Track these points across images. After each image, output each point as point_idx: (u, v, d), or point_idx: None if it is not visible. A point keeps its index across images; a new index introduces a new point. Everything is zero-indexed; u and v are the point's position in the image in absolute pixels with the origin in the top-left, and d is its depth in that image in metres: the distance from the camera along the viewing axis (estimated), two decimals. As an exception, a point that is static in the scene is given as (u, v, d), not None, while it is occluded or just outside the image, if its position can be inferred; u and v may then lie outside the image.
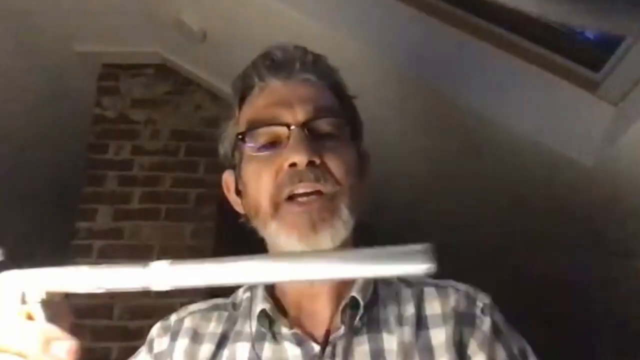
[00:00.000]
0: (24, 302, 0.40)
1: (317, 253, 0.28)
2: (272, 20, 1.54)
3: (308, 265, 0.27)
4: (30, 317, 0.40)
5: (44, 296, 0.40)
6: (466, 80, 1.37)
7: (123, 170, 2.12)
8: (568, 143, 1.31)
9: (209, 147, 2.10)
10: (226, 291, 0.68)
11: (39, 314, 0.40)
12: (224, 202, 0.74)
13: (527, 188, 1.58)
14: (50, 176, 2.58)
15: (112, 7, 1.92)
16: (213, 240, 2.01)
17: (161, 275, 0.30)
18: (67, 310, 0.42)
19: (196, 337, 0.67)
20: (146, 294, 1.06)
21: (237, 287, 0.73)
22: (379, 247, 0.26)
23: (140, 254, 1.98)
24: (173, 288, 0.30)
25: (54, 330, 0.39)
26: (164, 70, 2.23)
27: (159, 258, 0.38)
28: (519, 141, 1.38)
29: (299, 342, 0.61)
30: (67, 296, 0.41)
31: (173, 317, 0.71)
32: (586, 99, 1.28)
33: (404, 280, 0.66)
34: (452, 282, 0.66)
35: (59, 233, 2.11)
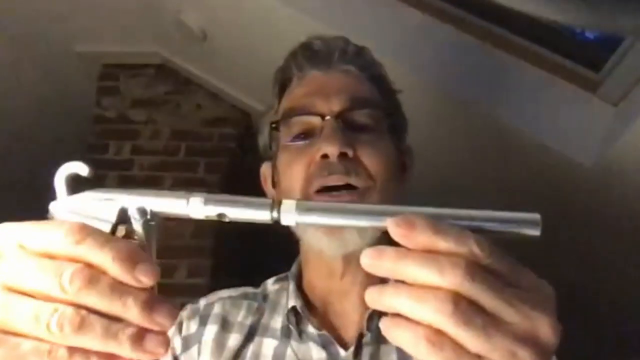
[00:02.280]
0: (122, 220, 0.36)
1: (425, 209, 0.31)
2: (273, 21, 1.54)
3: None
4: (128, 236, 0.36)
5: (148, 216, 0.36)
6: (465, 80, 1.37)
7: (123, 170, 2.12)
8: (568, 143, 1.31)
9: (209, 147, 2.11)
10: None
11: (139, 233, 0.36)
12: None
13: (526, 187, 1.58)
14: (51, 176, 2.58)
15: (112, 7, 1.92)
16: (213, 240, 2.00)
17: (290, 209, 0.31)
18: (159, 237, 0.37)
19: (226, 325, 0.65)
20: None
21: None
22: (491, 211, 0.31)
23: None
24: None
25: (143, 253, 0.34)
26: (164, 70, 2.23)
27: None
28: (518, 140, 1.38)
29: (325, 345, 0.60)
30: (167, 221, 0.37)
31: (202, 301, 0.70)
32: (586, 99, 1.28)
33: None
34: None
35: (59, 233, 2.10)
